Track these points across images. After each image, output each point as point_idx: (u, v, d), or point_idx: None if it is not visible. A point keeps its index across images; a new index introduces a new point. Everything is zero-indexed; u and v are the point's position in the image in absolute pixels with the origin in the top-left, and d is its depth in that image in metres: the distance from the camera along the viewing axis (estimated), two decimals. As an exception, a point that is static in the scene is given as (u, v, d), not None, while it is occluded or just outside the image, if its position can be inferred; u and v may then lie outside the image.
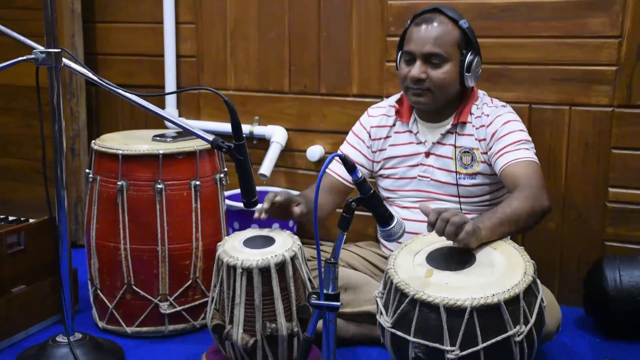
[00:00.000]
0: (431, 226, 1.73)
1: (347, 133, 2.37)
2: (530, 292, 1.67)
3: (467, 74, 2.09)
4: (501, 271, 1.69)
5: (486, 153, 2.12)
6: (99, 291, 2.29)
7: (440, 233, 1.71)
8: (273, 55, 2.85)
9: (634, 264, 2.20)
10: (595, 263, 2.31)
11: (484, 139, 2.12)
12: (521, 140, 2.06)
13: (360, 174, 1.57)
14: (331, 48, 2.75)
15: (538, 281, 1.74)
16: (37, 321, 2.29)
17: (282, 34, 2.82)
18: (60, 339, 2.04)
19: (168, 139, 2.28)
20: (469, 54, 2.08)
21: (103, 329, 2.30)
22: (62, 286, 1.99)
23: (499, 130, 2.09)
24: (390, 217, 1.67)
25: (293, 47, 2.81)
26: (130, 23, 3.09)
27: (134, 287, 2.22)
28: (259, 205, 1.99)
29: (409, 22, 2.15)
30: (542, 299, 1.72)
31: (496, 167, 2.06)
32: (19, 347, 2.17)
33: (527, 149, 2.05)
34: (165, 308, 2.23)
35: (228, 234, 2.24)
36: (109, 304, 2.26)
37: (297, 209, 2.02)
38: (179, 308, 2.25)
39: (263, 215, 1.99)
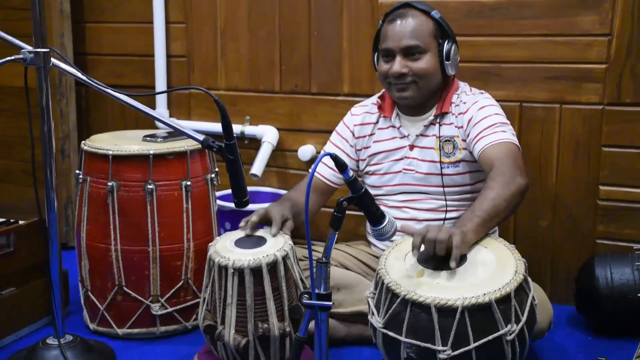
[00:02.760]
0: (417, 249, 1.72)
1: (338, 132, 2.38)
2: (521, 290, 1.68)
3: (446, 62, 2.11)
4: (492, 270, 1.69)
5: (465, 140, 2.13)
6: (89, 293, 2.27)
7: (432, 253, 1.70)
8: (264, 54, 2.84)
9: (625, 261, 2.21)
10: (586, 261, 2.32)
11: (462, 126, 2.13)
12: (496, 123, 2.06)
13: (351, 173, 1.57)
14: (322, 47, 2.74)
15: (529, 279, 1.75)
16: (27, 323, 2.28)
17: (272, 34, 2.81)
18: (51, 341, 2.03)
19: (158, 139, 2.27)
20: (446, 42, 2.11)
21: (94, 331, 2.29)
22: (53, 288, 1.98)
23: (475, 116, 2.10)
24: (381, 216, 1.67)
25: (284, 47, 2.81)
26: (120, 23, 3.08)
27: (125, 289, 2.21)
28: (254, 217, 2.00)
29: (380, 21, 2.18)
30: (533, 298, 1.72)
31: (474, 153, 2.07)
32: (8, 349, 2.16)
33: (504, 131, 2.05)
34: (156, 309, 2.22)
35: (219, 234, 2.23)
36: (99, 305, 2.25)
37: (287, 231, 2.02)
38: (170, 309, 2.24)
39: (248, 231, 2.00)
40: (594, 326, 2.30)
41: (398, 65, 2.09)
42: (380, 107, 2.26)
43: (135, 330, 2.25)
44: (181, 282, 2.24)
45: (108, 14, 3.08)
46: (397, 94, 2.14)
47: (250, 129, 2.87)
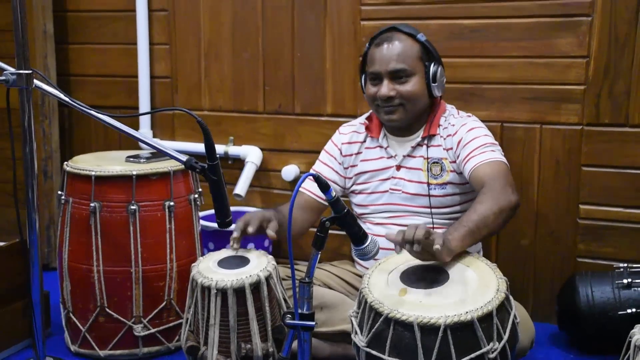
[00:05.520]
0: (399, 245, 1.73)
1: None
2: (503, 308, 1.69)
3: (433, 84, 2.14)
4: (474, 288, 1.70)
5: (454, 162, 2.15)
6: (71, 314, 2.25)
7: (412, 253, 1.71)
8: (247, 75, 2.86)
9: (606, 280, 2.22)
10: (567, 279, 2.34)
11: (451, 148, 2.16)
12: (486, 143, 2.10)
13: (333, 193, 1.58)
14: (305, 68, 2.77)
15: (511, 298, 1.75)
16: (7, 346, 2.25)
17: (256, 54, 2.83)
18: (31, 363, 2.01)
19: (142, 160, 2.27)
20: (432, 64, 2.14)
21: (75, 353, 2.26)
22: (33, 310, 1.96)
23: (464, 137, 2.13)
24: (364, 236, 1.67)
25: (267, 67, 2.83)
26: (103, 44, 3.08)
27: (107, 310, 2.19)
28: (234, 234, 2.01)
29: (367, 45, 2.20)
30: (515, 316, 1.73)
31: (465, 172, 2.10)
32: (-12, 372, 2.14)
33: (493, 150, 2.09)
34: (139, 330, 2.21)
35: (203, 255, 2.23)
36: (81, 327, 2.23)
37: (271, 232, 2.03)
38: (153, 330, 2.23)
39: (235, 246, 2.01)
40: (575, 344, 2.31)
41: (385, 88, 2.12)
42: (367, 128, 2.29)
43: (118, 352, 2.23)
44: (164, 303, 2.23)
45: (92, 35, 3.09)
46: (385, 117, 2.17)
47: (234, 149, 2.88)
